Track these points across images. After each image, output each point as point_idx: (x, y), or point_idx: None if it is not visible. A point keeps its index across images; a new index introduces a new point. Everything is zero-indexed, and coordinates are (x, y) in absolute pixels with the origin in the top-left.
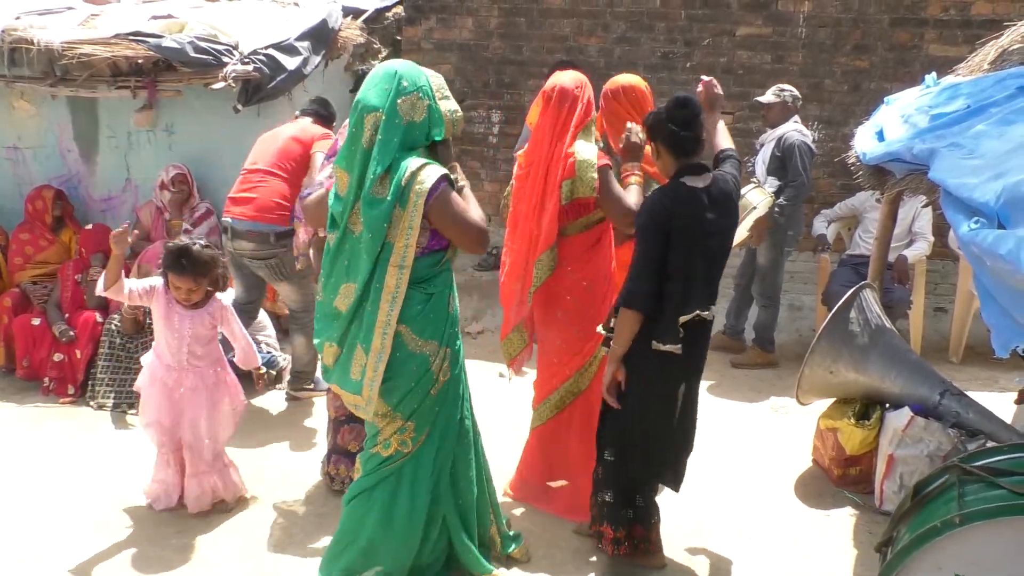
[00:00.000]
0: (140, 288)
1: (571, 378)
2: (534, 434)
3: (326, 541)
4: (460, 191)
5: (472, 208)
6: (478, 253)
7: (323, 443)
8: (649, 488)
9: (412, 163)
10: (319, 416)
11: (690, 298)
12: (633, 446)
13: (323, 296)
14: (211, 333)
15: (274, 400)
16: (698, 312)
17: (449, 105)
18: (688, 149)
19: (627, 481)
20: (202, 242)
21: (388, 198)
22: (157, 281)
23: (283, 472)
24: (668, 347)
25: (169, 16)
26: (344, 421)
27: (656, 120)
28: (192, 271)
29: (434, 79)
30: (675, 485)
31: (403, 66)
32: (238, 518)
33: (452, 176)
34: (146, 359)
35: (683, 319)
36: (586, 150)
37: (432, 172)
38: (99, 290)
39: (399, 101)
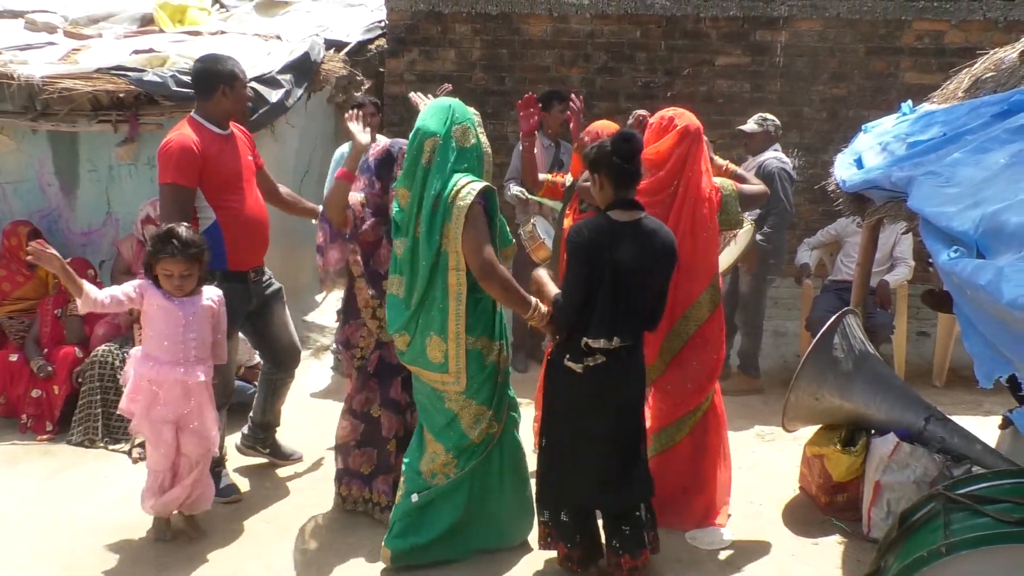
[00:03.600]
0: (126, 293)
1: (691, 412)
2: (655, 460)
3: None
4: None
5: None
6: (480, 280)
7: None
8: (571, 506)
9: (460, 181)
10: (302, 442)
11: (592, 325)
12: (548, 463)
13: (395, 291)
14: (212, 322)
15: None
16: (600, 341)
17: (484, 139)
18: (628, 182)
19: (551, 496)
20: (186, 225)
21: (439, 211)
22: (143, 281)
23: (266, 506)
24: (572, 365)
25: (151, 50)
26: (355, 446)
27: (601, 152)
28: (183, 252)
29: (475, 116)
30: (605, 507)
31: (454, 102)
32: (221, 552)
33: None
34: (133, 366)
35: (589, 343)
36: (726, 183)
37: (473, 188)
38: (80, 310)
39: (454, 129)
